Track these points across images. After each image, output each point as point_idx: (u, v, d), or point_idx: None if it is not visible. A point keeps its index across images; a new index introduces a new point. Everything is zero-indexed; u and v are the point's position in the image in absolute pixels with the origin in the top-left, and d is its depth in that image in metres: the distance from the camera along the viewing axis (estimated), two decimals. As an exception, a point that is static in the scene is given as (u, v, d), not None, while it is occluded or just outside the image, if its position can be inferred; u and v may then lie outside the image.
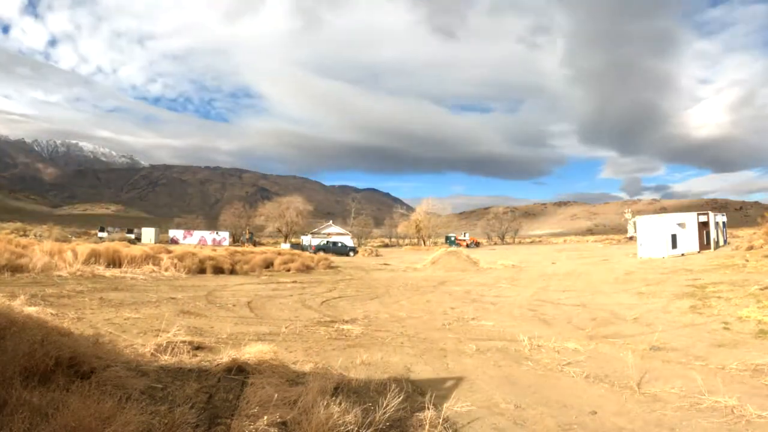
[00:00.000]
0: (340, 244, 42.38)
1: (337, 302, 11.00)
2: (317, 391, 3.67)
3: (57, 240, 25.16)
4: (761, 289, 10.25)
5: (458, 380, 4.96)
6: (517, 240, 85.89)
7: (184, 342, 5.32)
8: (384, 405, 3.58)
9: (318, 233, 53.22)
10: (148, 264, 14.84)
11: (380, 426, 3.40)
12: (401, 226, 71.56)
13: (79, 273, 12.35)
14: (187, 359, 4.84)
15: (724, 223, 31.87)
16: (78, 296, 9.07)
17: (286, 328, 7.40)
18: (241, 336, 6.44)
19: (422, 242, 67.03)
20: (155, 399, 3.56)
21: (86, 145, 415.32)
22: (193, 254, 16.94)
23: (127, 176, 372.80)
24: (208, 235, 55.14)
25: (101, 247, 15.51)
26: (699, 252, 25.03)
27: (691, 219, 26.20)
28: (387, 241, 79.04)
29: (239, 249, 26.48)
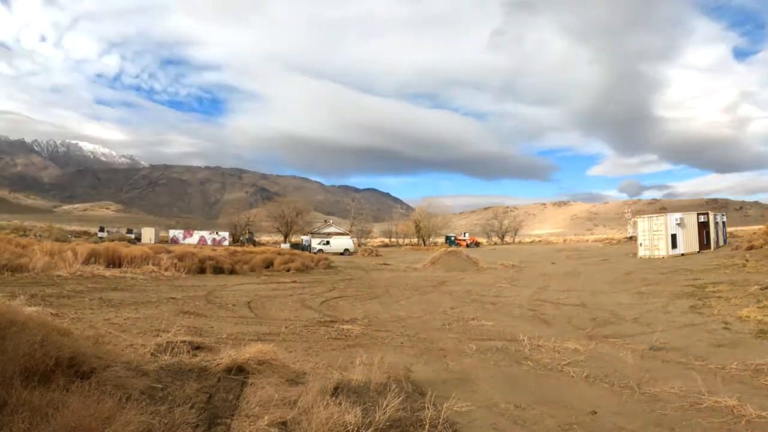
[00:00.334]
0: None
1: (337, 302, 11.00)
2: (317, 391, 3.67)
3: (57, 240, 25.17)
4: (761, 289, 10.26)
5: (458, 380, 4.96)
6: (517, 240, 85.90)
7: (184, 342, 5.32)
8: (384, 405, 3.58)
9: (318, 233, 53.19)
10: (148, 264, 14.84)
11: (380, 426, 3.40)
12: (401, 225, 71.66)
13: (78, 273, 12.36)
14: (187, 359, 4.83)
15: (724, 223, 31.87)
16: (78, 296, 9.07)
17: (286, 328, 7.40)
18: (241, 336, 6.45)
19: (422, 242, 67.04)
20: (155, 399, 3.56)
21: (86, 145, 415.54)
22: (193, 254, 16.95)
23: (127, 176, 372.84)
24: (208, 235, 55.12)
25: (101, 247, 15.53)
26: (699, 252, 25.05)
27: (691, 219, 26.21)
28: (387, 240, 79.03)
29: (239, 249, 26.48)
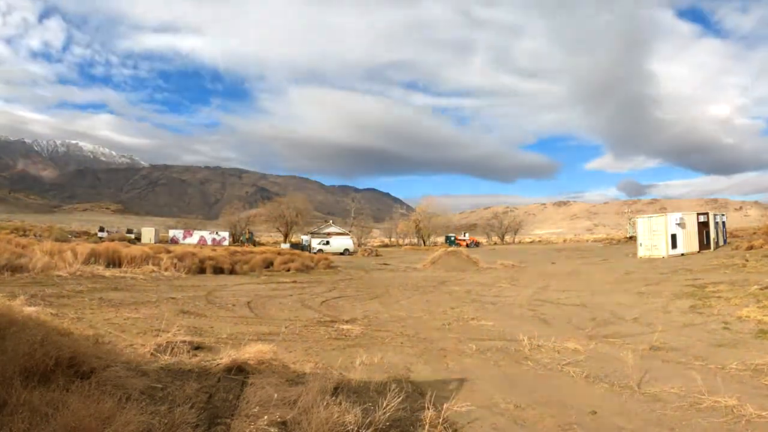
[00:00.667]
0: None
1: (337, 302, 11.00)
2: (317, 391, 3.67)
3: (57, 240, 25.17)
4: (761, 289, 10.26)
5: (458, 380, 4.96)
6: (517, 240, 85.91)
7: (183, 342, 5.32)
8: (384, 405, 3.58)
9: (318, 233, 53.20)
10: (147, 264, 14.85)
11: (380, 426, 3.40)
12: (401, 225, 71.63)
13: (78, 273, 12.36)
14: (187, 359, 4.84)
15: (723, 222, 31.87)
16: (78, 296, 9.07)
17: (285, 328, 7.40)
18: (241, 336, 6.44)
19: (422, 242, 67.05)
20: (155, 399, 3.56)
21: (86, 145, 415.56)
22: (193, 254, 16.95)
23: (127, 176, 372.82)
24: (208, 235, 55.13)
25: (101, 247, 15.53)
26: (699, 252, 25.05)
27: (691, 219, 26.21)
28: (387, 240, 79.04)
29: (239, 249, 26.49)
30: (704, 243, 26.21)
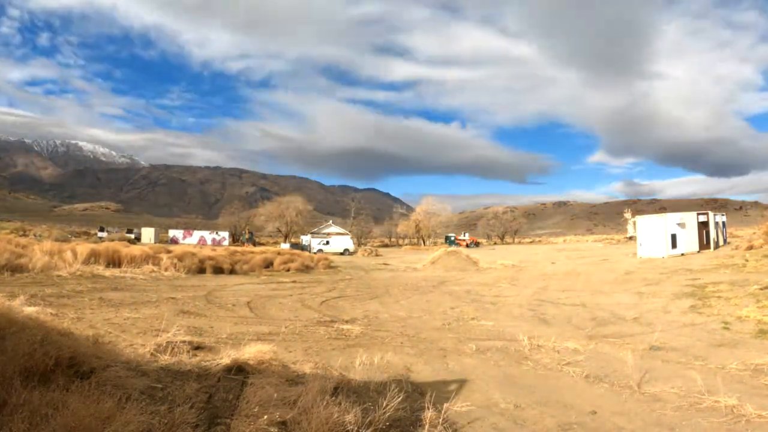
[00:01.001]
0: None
1: (337, 302, 11.00)
2: (317, 391, 3.67)
3: (57, 240, 25.14)
4: (761, 289, 10.26)
5: (458, 380, 4.96)
6: (517, 240, 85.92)
7: (183, 342, 5.32)
8: (384, 405, 3.58)
9: (318, 233, 53.21)
10: (147, 264, 14.84)
11: (380, 426, 3.40)
12: (401, 225, 71.61)
13: (78, 273, 12.36)
14: (187, 359, 4.84)
15: (723, 222, 31.87)
16: (78, 296, 9.07)
17: (285, 327, 7.40)
18: (241, 336, 6.45)
19: (422, 242, 67.06)
20: (155, 399, 3.56)
21: (86, 145, 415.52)
22: (193, 254, 16.95)
23: (127, 176, 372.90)
24: (208, 235, 55.13)
25: (101, 247, 15.52)
26: (699, 252, 25.04)
27: (691, 219, 26.20)
28: (387, 240, 79.04)
29: (239, 249, 26.48)
30: (704, 243, 26.20)
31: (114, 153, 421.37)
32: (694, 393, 4.34)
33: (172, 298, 9.93)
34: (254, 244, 48.26)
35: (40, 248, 13.53)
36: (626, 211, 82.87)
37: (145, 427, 2.86)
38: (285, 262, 19.70)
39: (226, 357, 4.70)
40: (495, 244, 74.00)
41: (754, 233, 33.06)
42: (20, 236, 28.71)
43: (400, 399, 3.72)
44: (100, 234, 52.79)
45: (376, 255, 41.35)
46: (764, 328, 7.08)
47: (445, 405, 3.92)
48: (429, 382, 4.81)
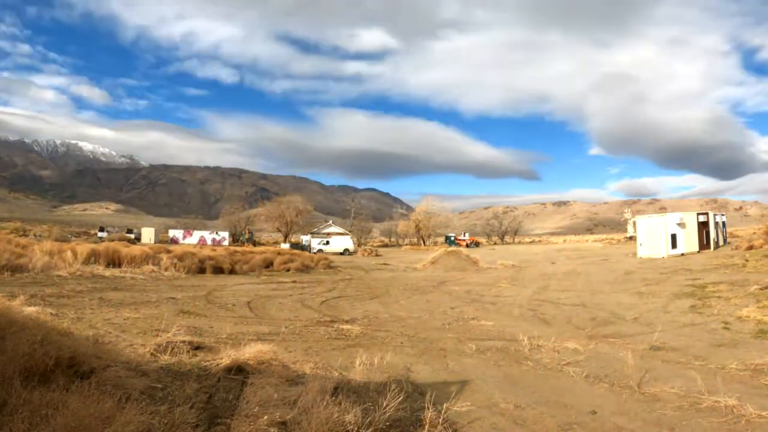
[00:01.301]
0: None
1: (337, 302, 11.00)
2: (317, 391, 3.67)
3: (56, 240, 25.15)
4: (761, 289, 10.26)
5: (458, 380, 4.96)
6: (517, 240, 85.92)
7: (183, 342, 5.32)
8: (384, 405, 3.58)
9: (318, 233, 53.21)
10: (147, 264, 14.84)
11: (380, 426, 3.39)
12: (401, 225, 71.60)
13: (78, 273, 12.36)
14: (187, 359, 4.84)
15: (723, 222, 31.87)
16: (78, 296, 9.07)
17: (285, 327, 7.40)
18: (241, 336, 6.45)
19: (422, 242, 67.05)
20: (155, 399, 3.56)
21: (86, 145, 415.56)
22: (193, 254, 16.95)
23: (127, 176, 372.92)
24: (208, 235, 55.10)
25: (101, 247, 15.52)
26: (699, 252, 25.04)
27: (691, 219, 26.21)
28: (387, 240, 79.03)
29: (239, 249, 26.49)
30: (704, 243, 26.20)
31: (114, 153, 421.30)
32: (694, 393, 4.34)
33: (172, 298, 9.93)
34: (254, 244, 48.28)
35: (40, 248, 13.53)
36: (626, 211, 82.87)
37: (145, 427, 2.86)
38: (285, 262, 19.70)
39: (226, 357, 4.70)
40: (495, 244, 73.98)
41: (754, 233, 33.07)
42: (20, 236, 28.71)
43: (400, 399, 3.72)
44: (100, 234, 52.78)
45: (376, 255, 41.35)
46: (764, 328, 7.08)
47: (445, 405, 3.92)
48: (429, 382, 4.80)
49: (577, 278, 16.83)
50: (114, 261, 14.56)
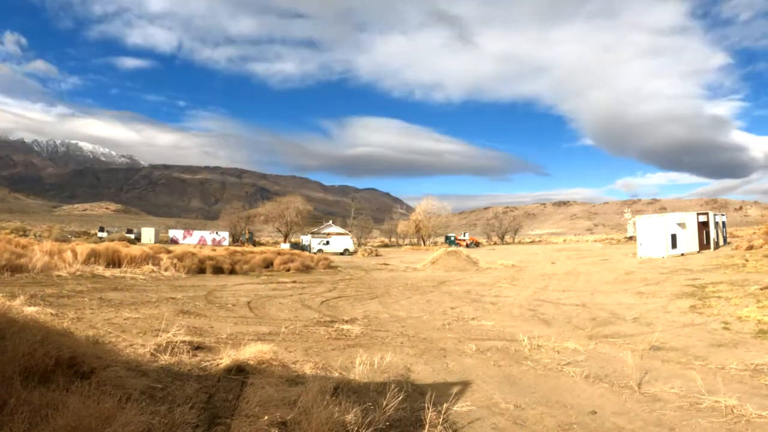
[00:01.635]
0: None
1: (337, 302, 11.00)
2: (317, 391, 3.67)
3: (56, 240, 25.16)
4: (761, 289, 10.27)
5: (458, 380, 4.96)
6: (517, 240, 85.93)
7: (183, 342, 5.32)
8: (384, 405, 3.58)
9: (318, 233, 53.22)
10: (147, 264, 14.84)
11: (380, 426, 3.40)
12: (401, 225, 71.61)
13: (78, 273, 12.35)
14: (187, 359, 4.83)
15: (723, 223, 31.88)
16: (78, 296, 9.07)
17: (285, 328, 7.40)
18: (241, 336, 6.45)
19: (422, 242, 67.06)
20: (155, 399, 3.56)
21: (86, 145, 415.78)
22: (193, 254, 16.94)
23: (127, 176, 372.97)
24: (208, 235, 55.12)
25: (101, 246, 15.51)
26: (699, 252, 25.06)
27: (691, 219, 26.21)
28: (387, 240, 79.04)
29: (239, 249, 26.48)
30: (704, 243, 26.22)
31: (114, 153, 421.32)
32: (694, 393, 4.34)
33: (172, 298, 9.93)
34: (254, 244, 48.28)
35: (40, 248, 13.52)
36: (626, 211, 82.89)
37: (145, 427, 2.86)
38: (285, 262, 19.70)
39: (226, 357, 4.70)
40: (495, 244, 74.00)
41: (754, 233, 33.07)
42: (20, 236, 28.69)
43: (400, 399, 3.72)
44: (100, 234, 52.80)
45: (376, 255, 41.36)
46: (764, 328, 7.08)
47: (445, 405, 3.92)
48: (429, 382, 4.81)
49: (577, 278, 16.83)
50: (114, 261, 14.55)
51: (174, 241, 50.78)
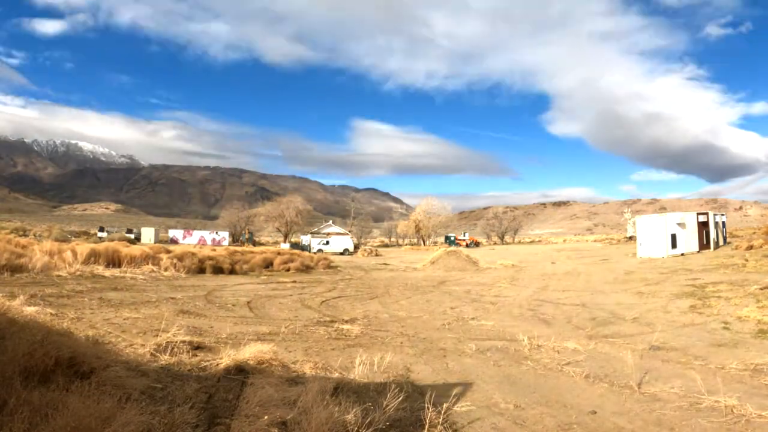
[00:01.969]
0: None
1: (337, 302, 11.00)
2: (317, 391, 3.67)
3: (56, 240, 25.14)
4: (761, 289, 10.27)
5: (458, 380, 4.96)
6: (516, 240, 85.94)
7: (183, 342, 5.32)
8: (384, 405, 3.58)
9: (318, 233, 53.23)
10: (147, 264, 14.83)
11: (380, 426, 3.39)
12: (401, 225, 71.65)
13: (78, 273, 12.35)
14: (187, 359, 4.83)
15: (723, 222, 31.87)
16: (77, 296, 9.07)
17: (285, 327, 7.40)
18: (241, 336, 6.44)
19: (422, 242, 67.08)
20: (155, 399, 3.56)
21: (86, 145, 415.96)
22: (193, 254, 16.94)
23: (127, 176, 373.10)
24: (208, 235, 55.14)
25: (101, 246, 15.50)
26: (699, 252, 25.05)
27: (691, 219, 26.21)
28: (387, 240, 79.05)
29: (239, 249, 26.48)
30: (704, 243, 26.21)
31: (114, 153, 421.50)
32: (694, 393, 4.34)
33: (172, 298, 9.93)
34: (254, 244, 48.27)
35: (40, 248, 13.52)
36: (626, 211, 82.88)
37: (145, 427, 2.86)
38: (285, 262, 19.70)
39: (226, 357, 4.70)
40: (495, 244, 74.01)
41: (754, 233, 33.08)
42: (20, 236, 28.69)
43: (400, 399, 3.72)
44: (100, 234, 52.80)
45: (376, 255, 41.37)
46: (764, 328, 7.08)
47: (445, 405, 3.91)
48: (429, 382, 4.80)
49: (577, 278, 16.83)
50: (114, 261, 14.54)
51: (174, 241, 50.79)
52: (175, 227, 64.91)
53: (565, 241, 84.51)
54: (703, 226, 26.57)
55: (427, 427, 3.47)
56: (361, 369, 4.83)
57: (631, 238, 51.51)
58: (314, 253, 33.46)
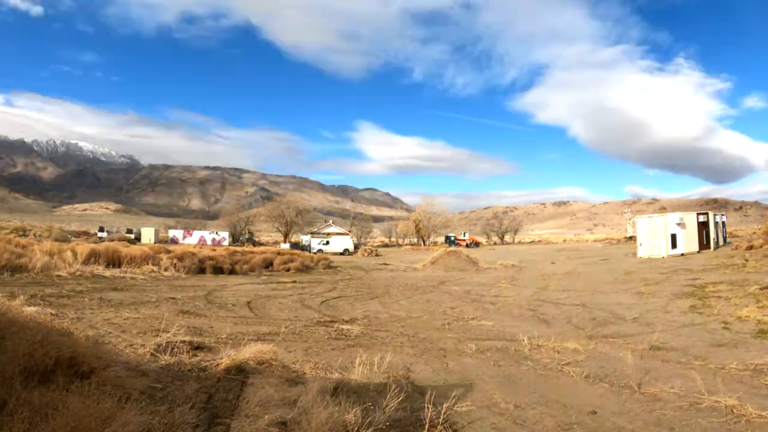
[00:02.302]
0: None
1: (337, 302, 11.00)
2: (317, 391, 3.67)
3: (56, 240, 25.13)
4: (761, 289, 10.26)
5: (458, 380, 4.96)
6: (516, 240, 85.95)
7: (183, 342, 5.31)
8: (384, 405, 3.58)
9: (318, 233, 53.22)
10: (147, 264, 14.84)
11: (380, 426, 3.39)
12: (401, 225, 71.66)
13: (78, 273, 12.35)
14: (187, 359, 4.83)
15: (723, 222, 31.85)
16: (77, 296, 9.07)
17: (285, 328, 7.40)
18: (241, 336, 6.45)
19: (422, 242, 67.08)
20: (155, 399, 3.56)
21: (86, 145, 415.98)
22: (193, 254, 16.94)
23: (127, 176, 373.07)
24: (208, 235, 55.13)
25: (101, 247, 15.51)
26: (699, 252, 25.04)
27: (691, 219, 26.20)
28: (387, 240, 79.04)
29: (239, 249, 26.48)
30: (704, 243, 26.19)
31: (114, 153, 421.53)
32: (694, 393, 4.34)
33: (172, 298, 9.93)
34: (254, 244, 48.28)
35: (40, 248, 13.52)
36: (626, 211, 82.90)
37: (145, 427, 2.86)
38: (285, 262, 19.71)
39: (226, 357, 4.70)
40: (495, 244, 74.02)
41: (754, 233, 33.10)
42: (20, 236, 28.69)
43: (400, 399, 3.72)
44: (100, 234, 52.81)
45: (376, 255, 41.37)
46: (764, 328, 7.08)
47: (445, 405, 3.91)
48: (429, 382, 4.80)
49: (577, 278, 16.83)
50: (114, 261, 14.55)
51: (174, 241, 50.78)
52: (175, 227, 64.77)
53: (565, 241, 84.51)
54: (703, 226, 26.55)
55: (427, 427, 3.47)
56: (361, 369, 4.83)
57: (631, 238, 51.53)
58: (314, 253, 33.46)
